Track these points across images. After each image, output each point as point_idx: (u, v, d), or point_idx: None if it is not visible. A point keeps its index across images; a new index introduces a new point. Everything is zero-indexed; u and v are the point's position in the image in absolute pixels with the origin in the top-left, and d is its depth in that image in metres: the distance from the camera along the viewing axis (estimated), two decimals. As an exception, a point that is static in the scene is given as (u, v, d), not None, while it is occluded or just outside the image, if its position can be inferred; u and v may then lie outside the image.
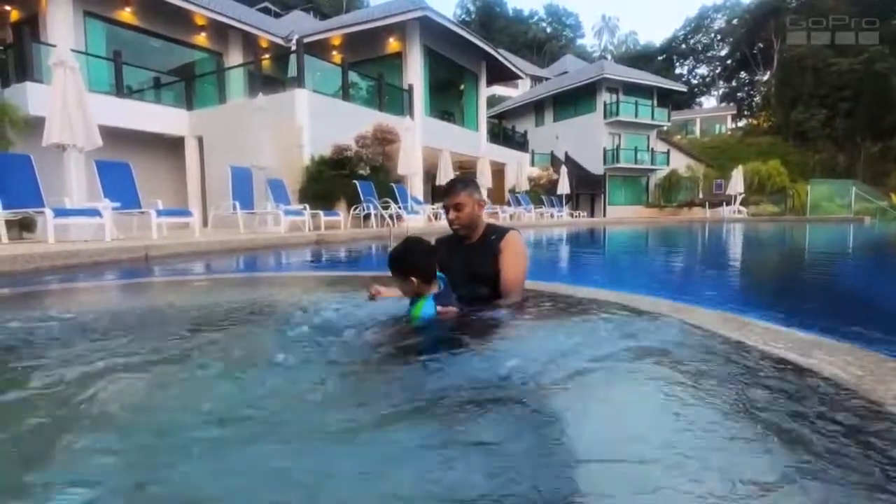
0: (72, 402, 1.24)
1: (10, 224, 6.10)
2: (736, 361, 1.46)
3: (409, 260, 1.88)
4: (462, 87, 18.86)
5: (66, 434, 1.06)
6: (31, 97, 8.95)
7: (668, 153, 30.31)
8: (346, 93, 12.52)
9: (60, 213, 6.14)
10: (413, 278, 1.84)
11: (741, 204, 23.45)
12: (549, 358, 1.52)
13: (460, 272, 2.17)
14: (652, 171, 29.76)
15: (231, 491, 0.84)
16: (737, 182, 22.79)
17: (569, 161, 26.14)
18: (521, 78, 23.45)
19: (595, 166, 27.99)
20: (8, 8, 12.03)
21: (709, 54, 54.99)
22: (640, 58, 53.74)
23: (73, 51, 7.93)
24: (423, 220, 12.30)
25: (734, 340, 1.64)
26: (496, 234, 2.27)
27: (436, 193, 17.88)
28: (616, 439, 1.03)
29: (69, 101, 6.60)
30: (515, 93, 38.06)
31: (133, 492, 0.85)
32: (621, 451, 0.97)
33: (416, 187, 13.76)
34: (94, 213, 6.47)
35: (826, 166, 30.87)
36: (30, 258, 4.26)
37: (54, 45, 8.74)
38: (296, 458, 0.95)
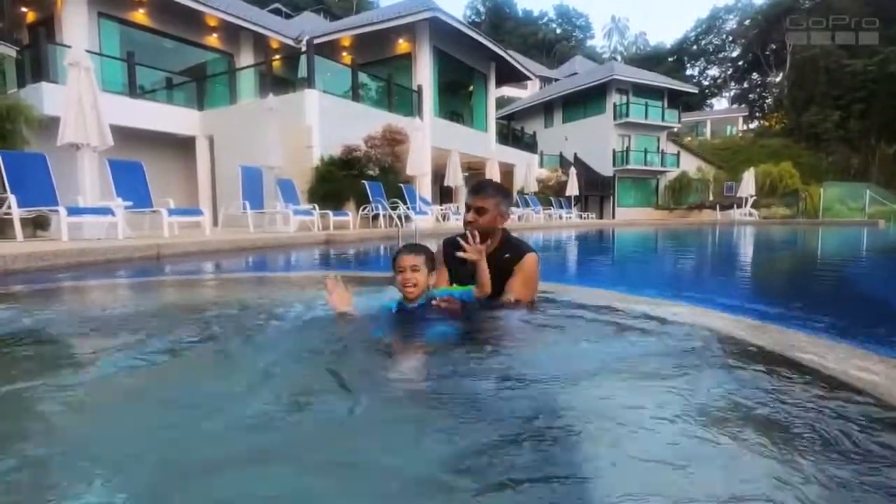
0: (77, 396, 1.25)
1: (24, 222, 6.17)
2: (746, 366, 1.44)
3: (426, 248, 1.95)
4: (471, 87, 18.85)
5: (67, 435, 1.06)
6: (46, 97, 9.08)
7: (678, 155, 30.06)
8: (355, 93, 12.56)
9: (74, 211, 6.21)
10: (420, 262, 1.87)
11: (752, 206, 23.20)
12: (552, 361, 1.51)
13: (470, 281, 2.13)
14: (662, 172, 29.54)
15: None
16: (748, 184, 22.54)
17: (578, 162, 26.03)
18: (530, 79, 23.39)
19: (604, 168, 27.84)
20: (24, 10, 12.21)
21: (720, 55, 54.47)
22: (651, 59, 53.43)
23: (87, 51, 8.04)
24: (431, 221, 12.31)
25: (753, 345, 1.62)
26: (511, 251, 2.13)
27: (444, 194, 17.89)
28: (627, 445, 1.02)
29: (84, 101, 6.68)
30: (525, 94, 37.97)
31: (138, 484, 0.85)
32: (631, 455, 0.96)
33: (425, 188, 13.77)
34: (107, 211, 6.54)
35: (839, 168, 30.45)
36: (44, 256, 4.31)
37: (69, 46, 8.85)
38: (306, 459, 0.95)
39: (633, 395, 1.24)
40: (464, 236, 2.21)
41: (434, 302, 1.86)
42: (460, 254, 1.89)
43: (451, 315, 1.86)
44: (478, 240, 1.90)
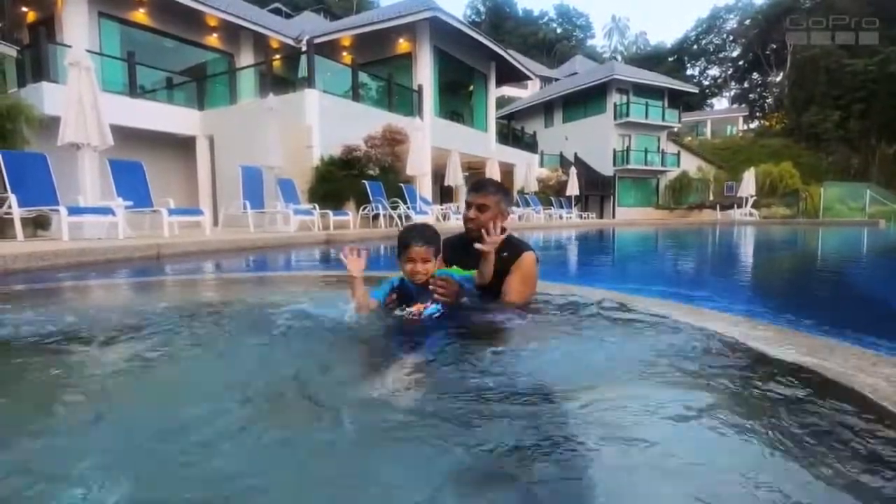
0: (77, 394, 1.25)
1: (25, 222, 6.18)
2: (746, 366, 1.44)
3: (434, 231, 1.96)
4: (471, 87, 18.85)
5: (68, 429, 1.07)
6: (47, 97, 9.08)
7: (678, 155, 30.06)
8: (355, 93, 12.56)
9: (74, 211, 6.21)
10: (431, 253, 1.90)
11: (753, 206, 23.19)
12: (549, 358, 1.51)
13: None
14: (662, 172, 29.54)
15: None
16: (748, 184, 22.54)
17: (578, 162, 26.02)
18: (530, 79, 23.39)
19: (604, 168, 27.84)
20: (25, 9, 12.22)
21: (721, 55, 54.45)
22: (651, 58, 53.40)
23: (87, 51, 8.04)
24: (431, 221, 12.31)
25: (747, 346, 1.62)
26: (510, 250, 2.12)
27: (444, 194, 17.90)
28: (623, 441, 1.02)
29: (84, 100, 6.69)
30: (525, 94, 37.96)
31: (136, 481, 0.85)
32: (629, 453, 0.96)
33: (425, 188, 13.77)
34: (108, 211, 6.55)
35: (839, 168, 30.45)
36: (44, 255, 4.31)
37: (69, 46, 8.85)
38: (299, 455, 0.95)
39: (632, 396, 1.24)
40: (464, 236, 2.22)
41: (432, 281, 1.88)
42: (478, 245, 1.91)
43: (448, 297, 1.87)
44: (498, 230, 1.93)
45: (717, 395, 1.22)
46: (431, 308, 1.86)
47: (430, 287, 1.87)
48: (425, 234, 1.92)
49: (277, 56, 15.53)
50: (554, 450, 0.94)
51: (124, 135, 9.07)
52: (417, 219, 11.06)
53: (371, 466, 0.90)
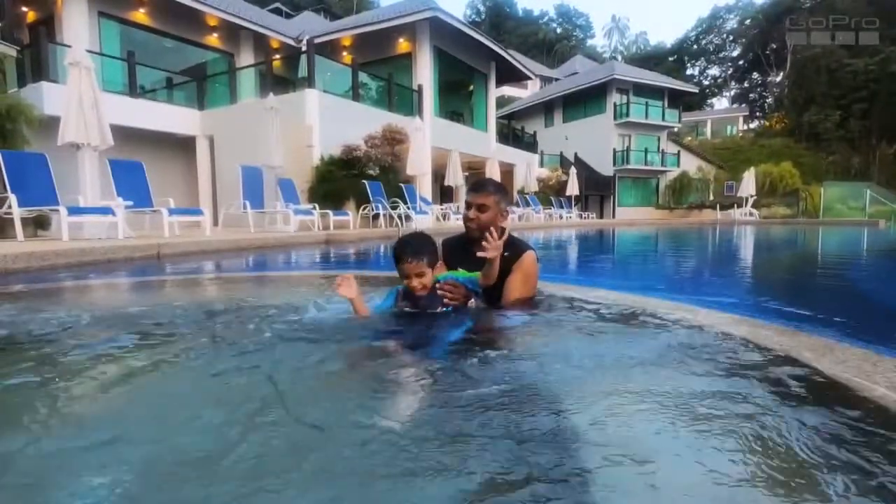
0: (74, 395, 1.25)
1: (25, 222, 6.17)
2: (747, 366, 1.44)
3: (427, 241, 1.93)
4: (471, 87, 18.86)
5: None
6: (47, 97, 9.09)
7: (678, 155, 30.07)
8: (356, 93, 12.56)
9: (74, 211, 6.21)
10: (427, 265, 1.88)
11: (753, 206, 23.20)
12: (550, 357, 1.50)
13: None
14: (662, 172, 29.55)
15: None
16: (748, 184, 22.55)
17: (578, 162, 26.03)
18: (530, 79, 23.41)
19: (605, 167, 27.86)
20: (25, 9, 12.22)
21: (721, 55, 54.48)
22: (651, 58, 53.43)
23: (87, 51, 8.03)
24: (431, 220, 12.31)
25: (748, 345, 1.62)
26: (511, 250, 2.11)
27: (444, 194, 17.91)
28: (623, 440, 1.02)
29: (84, 100, 6.69)
30: (525, 93, 37.98)
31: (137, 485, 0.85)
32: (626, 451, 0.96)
33: (425, 188, 13.77)
34: (108, 211, 6.55)
35: (840, 168, 30.48)
36: (44, 255, 4.31)
37: (69, 46, 8.86)
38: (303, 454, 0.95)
39: (634, 395, 1.24)
40: (464, 237, 2.23)
41: (438, 285, 1.89)
42: (481, 253, 1.85)
43: (457, 300, 1.89)
44: (496, 235, 1.88)
45: (718, 395, 1.21)
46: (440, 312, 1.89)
47: (439, 293, 1.88)
48: (416, 247, 1.88)
49: (277, 56, 15.53)
50: (556, 450, 0.94)
51: (124, 135, 9.07)
52: (417, 219, 11.07)
53: (372, 469, 0.90)
